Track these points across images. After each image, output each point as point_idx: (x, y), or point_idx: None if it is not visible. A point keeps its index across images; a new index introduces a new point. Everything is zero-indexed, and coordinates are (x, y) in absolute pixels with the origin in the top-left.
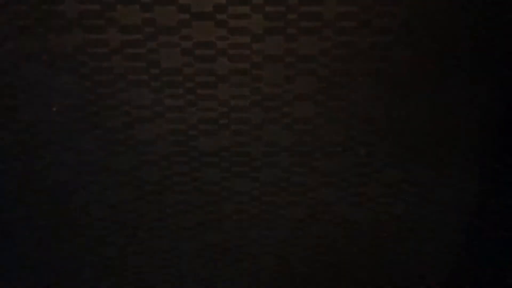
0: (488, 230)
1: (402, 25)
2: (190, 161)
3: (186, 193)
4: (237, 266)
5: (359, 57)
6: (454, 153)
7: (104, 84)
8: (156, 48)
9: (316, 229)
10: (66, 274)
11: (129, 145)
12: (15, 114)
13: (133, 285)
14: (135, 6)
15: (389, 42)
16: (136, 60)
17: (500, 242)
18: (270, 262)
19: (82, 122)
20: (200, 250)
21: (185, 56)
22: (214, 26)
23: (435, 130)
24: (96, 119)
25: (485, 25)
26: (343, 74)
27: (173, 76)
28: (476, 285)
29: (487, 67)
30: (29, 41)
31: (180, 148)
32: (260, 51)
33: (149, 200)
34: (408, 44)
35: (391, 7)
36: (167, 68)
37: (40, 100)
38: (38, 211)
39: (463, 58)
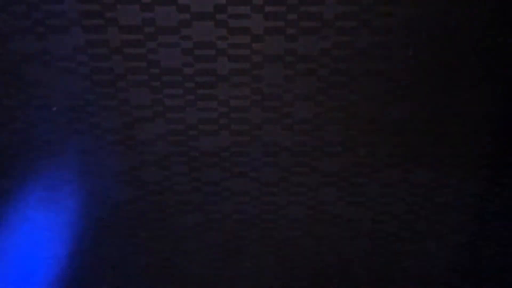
0: (488, 230)
1: (402, 25)
2: (190, 161)
3: (186, 193)
4: (237, 266)
5: (359, 57)
6: (454, 153)
7: (104, 84)
8: (156, 48)
9: (316, 229)
10: (66, 274)
11: (129, 145)
12: (15, 114)
13: (133, 285)
14: (135, 6)
15: (389, 42)
16: (136, 60)
17: (500, 242)
18: (270, 262)
19: (82, 122)
20: (200, 250)
21: (185, 56)
22: (214, 26)
23: (435, 130)
24: (96, 119)
25: (486, 25)
26: (343, 74)
27: (173, 76)
28: (476, 285)
29: (487, 67)
30: (29, 41)
31: (180, 148)
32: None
33: (149, 200)
34: (408, 44)
35: (391, 7)
36: (167, 68)
37: (40, 100)
38: (38, 211)
39: (463, 58)
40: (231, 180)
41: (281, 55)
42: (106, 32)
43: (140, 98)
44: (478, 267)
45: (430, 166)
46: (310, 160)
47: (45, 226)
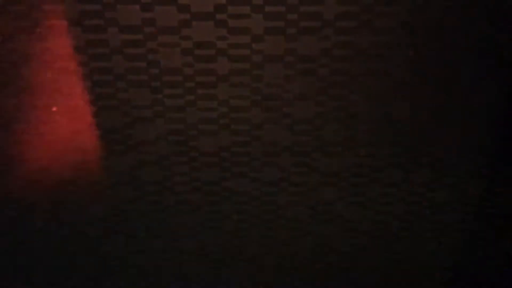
0: (488, 230)
1: (402, 25)
2: (190, 161)
3: (186, 193)
4: (237, 266)
5: (359, 57)
6: (454, 153)
7: (104, 84)
8: (156, 48)
9: (316, 229)
10: (66, 274)
11: (129, 145)
12: (16, 114)
13: (133, 285)
14: (135, 6)
15: (389, 42)
16: (136, 60)
17: (499, 242)
18: (270, 262)
19: (82, 122)
20: (200, 250)
21: (185, 56)
22: (214, 26)
23: (435, 130)
24: (96, 119)
25: (486, 25)
26: (343, 74)
27: (173, 76)
28: (476, 285)
29: (487, 67)
30: (29, 41)
31: (180, 148)
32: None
33: (149, 200)
34: (408, 44)
35: (391, 7)
36: (167, 68)
37: (40, 100)
38: (38, 211)
39: (463, 58)
40: (231, 180)
41: (281, 55)
42: (106, 32)
43: (140, 98)
44: (478, 267)
45: (430, 166)
46: (310, 160)
47: (45, 226)
